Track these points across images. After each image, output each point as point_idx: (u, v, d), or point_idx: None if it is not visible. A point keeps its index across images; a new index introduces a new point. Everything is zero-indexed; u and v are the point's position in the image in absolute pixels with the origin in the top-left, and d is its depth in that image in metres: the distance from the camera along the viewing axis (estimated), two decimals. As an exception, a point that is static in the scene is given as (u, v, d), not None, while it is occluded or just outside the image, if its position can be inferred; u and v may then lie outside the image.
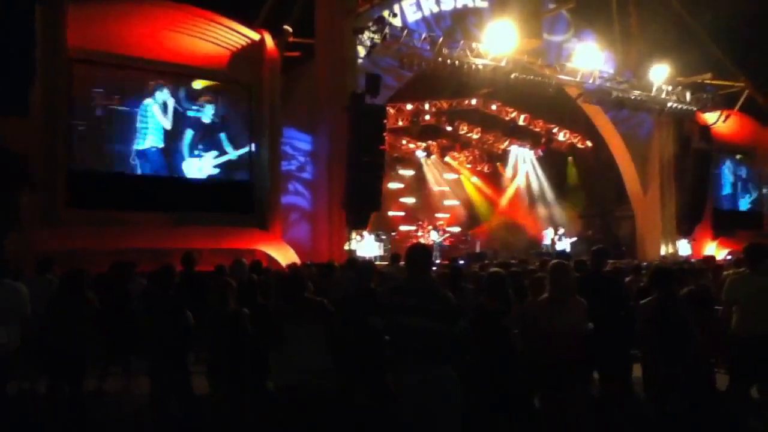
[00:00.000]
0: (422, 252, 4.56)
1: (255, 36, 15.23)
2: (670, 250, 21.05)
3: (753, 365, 5.70)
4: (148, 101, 13.94)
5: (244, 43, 15.09)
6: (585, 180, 25.90)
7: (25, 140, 12.23)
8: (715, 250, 20.94)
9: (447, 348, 4.14)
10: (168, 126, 14.18)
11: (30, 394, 6.94)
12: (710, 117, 21.85)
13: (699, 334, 5.42)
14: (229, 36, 14.94)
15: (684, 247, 21.17)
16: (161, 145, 14.11)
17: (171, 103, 14.20)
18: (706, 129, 21.53)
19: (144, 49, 13.71)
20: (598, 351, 5.41)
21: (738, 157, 23.95)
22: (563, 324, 5.01)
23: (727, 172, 23.75)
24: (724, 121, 21.93)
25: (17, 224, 12.24)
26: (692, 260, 16.44)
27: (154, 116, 14.00)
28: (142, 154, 13.93)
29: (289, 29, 16.05)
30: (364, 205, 15.63)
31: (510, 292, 5.34)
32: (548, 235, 22.68)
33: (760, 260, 5.91)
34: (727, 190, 23.72)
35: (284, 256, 14.08)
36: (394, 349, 4.35)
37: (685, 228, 21.16)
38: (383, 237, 19.72)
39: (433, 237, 23.02)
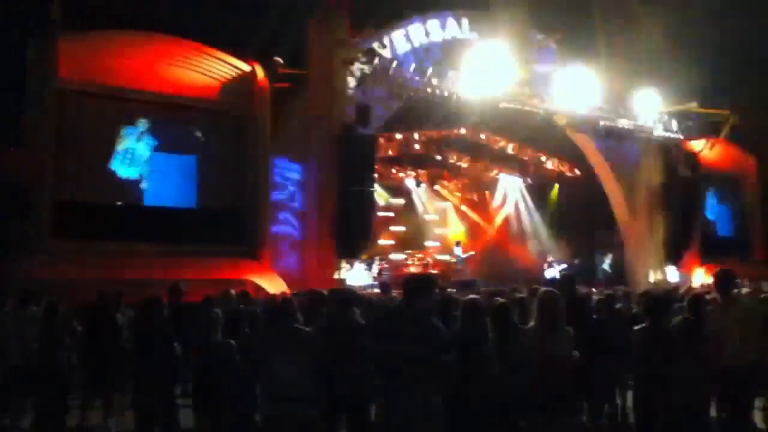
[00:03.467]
0: (417, 281, 4.65)
1: (246, 67, 15.36)
2: (659, 276, 21.09)
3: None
4: (130, 132, 14.02)
5: (235, 74, 15.23)
6: (573, 208, 25.98)
7: (16, 170, 12.21)
8: (703, 276, 21.02)
9: (430, 374, 4.15)
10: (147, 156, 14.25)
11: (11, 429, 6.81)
12: (697, 145, 22.12)
13: (690, 363, 5.42)
14: (220, 67, 15.08)
15: (672, 274, 21.24)
16: (140, 175, 14.16)
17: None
18: (692, 156, 21.76)
19: (135, 80, 13.82)
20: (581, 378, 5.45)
21: (724, 184, 24.16)
22: (552, 352, 5.02)
23: (714, 199, 23.94)
24: (710, 149, 22.19)
25: (8, 254, 12.14)
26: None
27: (136, 147, 14.09)
28: (128, 183, 13.97)
29: (280, 60, 16.15)
30: (353, 234, 15.65)
31: (487, 320, 5.32)
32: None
33: None
34: (714, 216, 23.87)
35: (274, 285, 14.03)
36: (381, 375, 4.39)
37: (674, 255, 21.24)
38: (373, 265, 19.69)
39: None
